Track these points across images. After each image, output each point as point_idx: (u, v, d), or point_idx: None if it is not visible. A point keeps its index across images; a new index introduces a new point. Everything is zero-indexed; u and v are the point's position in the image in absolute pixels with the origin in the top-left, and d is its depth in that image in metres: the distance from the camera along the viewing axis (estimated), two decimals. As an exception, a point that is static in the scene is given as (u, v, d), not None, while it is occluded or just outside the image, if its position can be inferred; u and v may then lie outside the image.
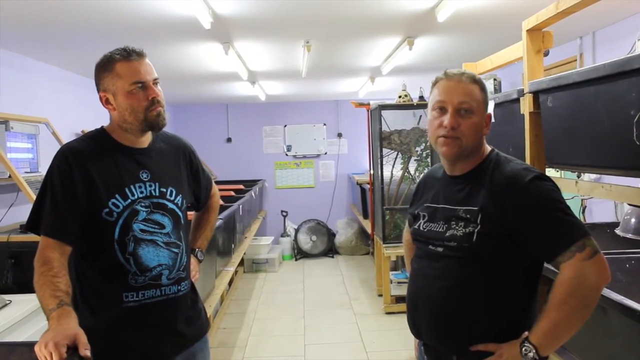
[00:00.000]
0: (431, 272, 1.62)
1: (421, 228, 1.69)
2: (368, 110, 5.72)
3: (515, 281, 1.53)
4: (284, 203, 8.17)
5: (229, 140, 8.17)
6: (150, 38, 3.46)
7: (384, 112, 5.14)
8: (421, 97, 5.18)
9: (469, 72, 1.61)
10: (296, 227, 7.99)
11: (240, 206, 5.08)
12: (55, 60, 4.14)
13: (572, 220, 1.43)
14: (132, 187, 1.73)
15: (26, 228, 1.71)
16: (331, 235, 7.93)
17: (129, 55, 1.70)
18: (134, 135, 1.76)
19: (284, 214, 8.07)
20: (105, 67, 1.71)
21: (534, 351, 1.39)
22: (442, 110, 1.58)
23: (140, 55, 1.72)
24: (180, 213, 1.83)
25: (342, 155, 8.25)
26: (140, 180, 1.75)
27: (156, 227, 1.76)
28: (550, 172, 2.13)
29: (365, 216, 6.82)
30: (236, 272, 6.50)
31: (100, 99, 1.74)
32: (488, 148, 1.65)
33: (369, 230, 6.21)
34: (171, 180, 1.84)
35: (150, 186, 1.77)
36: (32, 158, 3.60)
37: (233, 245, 4.85)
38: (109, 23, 3.10)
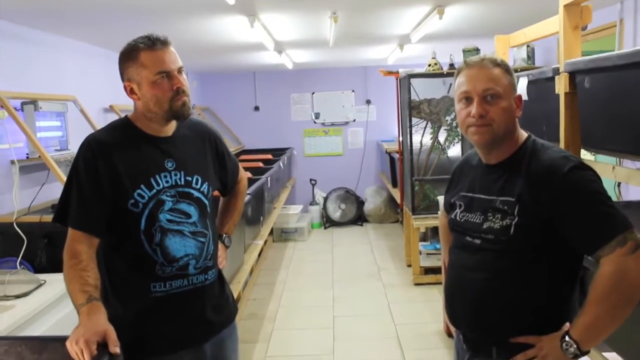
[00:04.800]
0: (469, 263, 1.60)
1: (458, 218, 1.67)
2: (397, 79, 5.61)
3: (554, 273, 1.50)
4: (312, 171, 8.16)
5: (256, 108, 8.14)
6: (175, 12, 3.40)
7: (413, 81, 5.03)
8: (451, 65, 5.04)
9: (490, 56, 1.56)
10: (325, 195, 7.98)
11: (269, 178, 5.08)
12: (83, 36, 4.13)
13: (614, 212, 1.38)
14: (157, 176, 1.72)
15: (54, 220, 1.72)
16: (360, 203, 7.91)
17: (153, 44, 1.66)
18: (159, 124, 1.75)
19: (313, 182, 8.06)
20: (129, 57, 1.68)
21: (575, 346, 1.38)
22: (468, 100, 1.54)
23: (164, 43, 1.68)
24: (206, 201, 1.82)
25: (371, 122, 8.15)
26: (166, 169, 1.74)
27: (182, 216, 1.75)
28: (586, 156, 2.05)
29: (395, 185, 6.77)
30: (265, 241, 6.55)
31: (125, 88, 1.72)
32: (524, 134, 1.60)
33: (398, 200, 6.17)
34: (197, 168, 1.82)
35: (176, 175, 1.76)
36: (61, 136, 3.64)
37: (262, 218, 4.86)
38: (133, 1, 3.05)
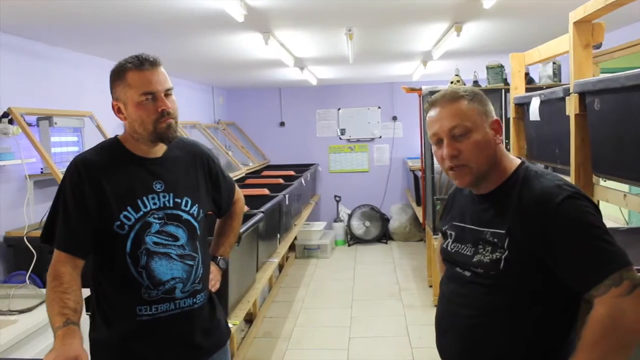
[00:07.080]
0: (458, 298, 1.51)
1: (449, 248, 1.58)
2: (419, 96, 5.52)
3: (549, 310, 1.38)
4: (337, 187, 8.09)
5: (282, 124, 8.13)
6: (190, 29, 3.41)
7: (436, 98, 4.93)
8: (475, 82, 4.93)
9: (451, 89, 1.48)
10: (349, 212, 7.89)
11: (287, 196, 5.03)
12: (101, 52, 4.17)
13: (610, 248, 1.26)
14: (144, 198, 1.69)
15: (41, 241, 1.71)
16: (385, 220, 7.79)
17: (141, 64, 1.64)
18: (146, 145, 1.72)
19: (337, 198, 7.99)
20: (117, 76, 1.67)
21: None
22: (439, 142, 1.46)
23: (153, 64, 1.66)
24: (195, 224, 1.78)
25: (397, 139, 8.05)
26: (154, 191, 1.71)
27: (170, 239, 1.71)
28: (600, 181, 1.94)
29: (419, 203, 6.64)
30: (287, 257, 6.50)
31: (113, 107, 1.71)
32: (516, 161, 1.50)
33: (421, 219, 6.05)
34: (187, 189, 1.78)
35: (164, 197, 1.72)
36: (78, 151, 3.67)
37: (279, 235, 4.81)
38: (148, 17, 3.06)
